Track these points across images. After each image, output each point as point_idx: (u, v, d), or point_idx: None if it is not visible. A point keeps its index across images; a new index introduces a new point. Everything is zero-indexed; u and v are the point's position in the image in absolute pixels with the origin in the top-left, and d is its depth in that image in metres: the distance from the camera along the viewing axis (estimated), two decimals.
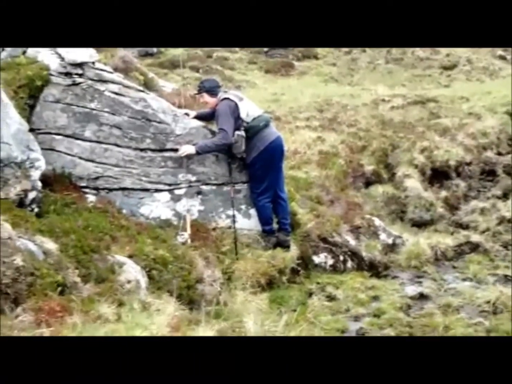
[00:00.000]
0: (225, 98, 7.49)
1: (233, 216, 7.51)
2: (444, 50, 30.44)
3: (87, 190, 7.15)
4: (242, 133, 7.39)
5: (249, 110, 7.51)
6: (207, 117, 7.93)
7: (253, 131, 7.41)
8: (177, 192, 7.42)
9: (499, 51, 30.29)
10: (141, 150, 7.33)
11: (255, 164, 7.51)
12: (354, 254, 8.45)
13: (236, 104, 7.41)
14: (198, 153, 7.29)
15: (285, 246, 7.64)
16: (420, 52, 30.43)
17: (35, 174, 6.06)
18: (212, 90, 7.61)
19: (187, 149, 7.25)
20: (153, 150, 7.36)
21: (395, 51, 30.78)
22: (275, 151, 7.62)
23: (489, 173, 12.67)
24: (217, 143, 7.30)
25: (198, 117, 7.74)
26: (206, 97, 7.66)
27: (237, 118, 7.40)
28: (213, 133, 7.60)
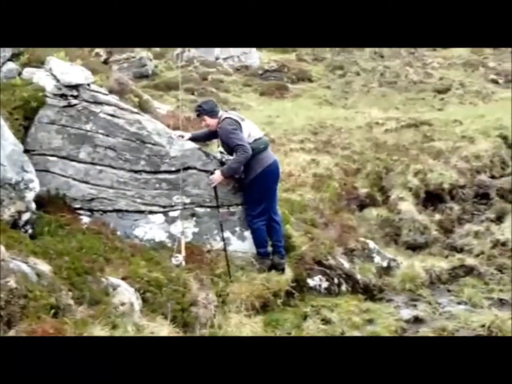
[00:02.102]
0: (227, 117, 7.49)
1: (223, 239, 7.46)
2: (437, 74, 30.75)
3: (81, 211, 7.13)
4: None
5: (251, 131, 7.50)
6: (204, 138, 7.94)
7: (253, 153, 7.37)
8: (171, 214, 7.40)
9: (492, 75, 30.60)
10: (136, 172, 7.32)
11: (251, 186, 7.49)
12: (349, 277, 8.42)
13: (238, 123, 7.42)
14: (225, 177, 7.38)
15: (279, 269, 7.61)
16: (413, 75, 30.73)
17: (29, 196, 6.04)
18: (212, 112, 7.60)
19: (216, 178, 7.36)
20: (147, 172, 7.35)
21: (389, 75, 31.10)
22: (271, 175, 7.60)
23: (482, 196, 12.71)
24: (239, 160, 7.26)
25: (194, 139, 7.73)
26: (207, 120, 7.62)
27: None
28: (207, 155, 7.61)
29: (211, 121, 7.60)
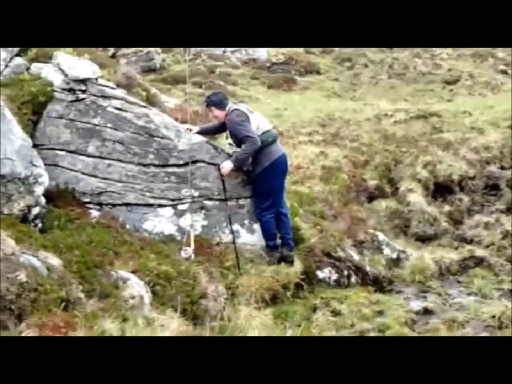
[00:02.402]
0: (235, 109, 7.47)
1: (232, 231, 7.47)
2: (446, 65, 30.62)
3: (90, 205, 7.16)
4: None
5: (260, 124, 7.47)
6: (213, 131, 7.93)
7: (261, 145, 7.36)
8: (180, 207, 7.41)
9: (501, 66, 30.46)
10: (144, 165, 7.33)
11: (259, 179, 7.48)
12: (358, 269, 8.42)
13: (247, 115, 7.40)
14: (235, 167, 7.36)
15: (288, 261, 7.61)
16: (422, 67, 30.60)
17: (39, 190, 6.07)
18: (221, 104, 7.58)
19: (226, 166, 7.31)
20: (156, 166, 7.36)
21: (397, 66, 30.98)
22: (280, 168, 7.59)
23: (492, 188, 12.66)
24: (247, 151, 7.24)
25: (203, 132, 7.72)
26: (215, 111, 7.62)
27: None
28: (216, 148, 7.60)
29: (219, 113, 7.58)
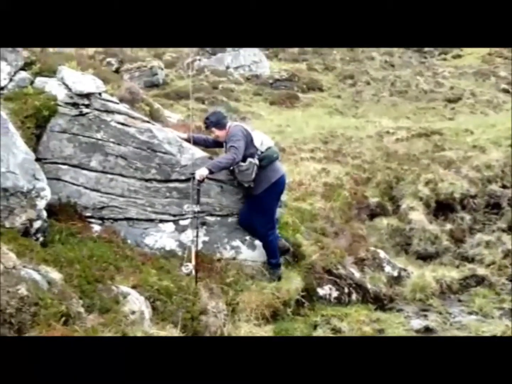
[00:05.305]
0: (237, 125, 7.49)
1: (196, 237, 7.43)
2: (448, 83, 30.74)
3: (92, 220, 7.15)
4: (256, 161, 7.32)
5: (263, 140, 7.48)
6: (211, 145, 7.85)
7: (267, 161, 7.36)
8: (182, 222, 7.41)
9: (503, 85, 30.58)
10: (146, 180, 7.34)
11: (264, 196, 7.43)
12: (359, 287, 8.41)
13: (248, 131, 7.40)
14: (211, 172, 7.06)
15: (285, 250, 7.79)
16: (424, 85, 30.72)
17: (41, 204, 6.07)
18: (220, 123, 7.54)
19: (201, 172, 7.00)
20: (158, 181, 7.37)
21: (399, 84, 31.10)
22: (280, 188, 7.62)
23: (494, 206, 12.67)
24: (228, 158, 7.12)
25: (197, 142, 7.67)
26: (216, 132, 7.57)
27: (250, 143, 7.32)
28: None
29: (220, 133, 7.53)
